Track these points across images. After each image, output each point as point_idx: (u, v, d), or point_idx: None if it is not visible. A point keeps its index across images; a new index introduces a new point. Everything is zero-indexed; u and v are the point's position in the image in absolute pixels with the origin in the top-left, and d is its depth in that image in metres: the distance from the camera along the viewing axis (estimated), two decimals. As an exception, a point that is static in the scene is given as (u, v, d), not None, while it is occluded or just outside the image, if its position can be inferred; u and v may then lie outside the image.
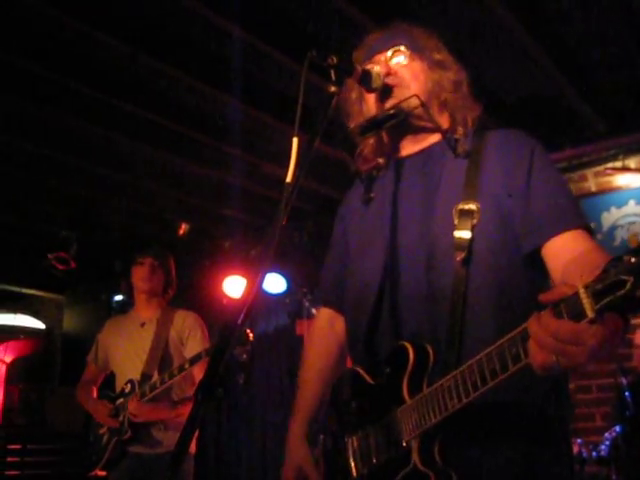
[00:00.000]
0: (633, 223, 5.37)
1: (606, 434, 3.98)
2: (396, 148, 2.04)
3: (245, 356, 3.10)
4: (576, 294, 1.17)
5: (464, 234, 1.71)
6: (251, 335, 3.35)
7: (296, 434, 1.96)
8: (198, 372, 3.83)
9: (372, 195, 2.02)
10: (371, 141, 2.07)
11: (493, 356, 1.38)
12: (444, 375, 1.54)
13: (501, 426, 1.63)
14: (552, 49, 4.22)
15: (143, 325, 4.21)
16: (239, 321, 1.29)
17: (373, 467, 1.70)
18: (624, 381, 4.05)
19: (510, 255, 1.73)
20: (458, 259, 1.69)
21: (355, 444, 1.76)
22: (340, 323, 2.10)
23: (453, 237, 1.72)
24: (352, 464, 1.76)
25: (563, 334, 1.18)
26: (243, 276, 6.22)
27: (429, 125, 1.93)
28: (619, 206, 5.47)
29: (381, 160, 2.07)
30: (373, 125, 1.95)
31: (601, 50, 4.37)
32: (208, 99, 4.68)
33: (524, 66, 4.40)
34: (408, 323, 1.75)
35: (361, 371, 1.83)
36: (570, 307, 1.18)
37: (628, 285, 1.08)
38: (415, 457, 1.57)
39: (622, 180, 5.50)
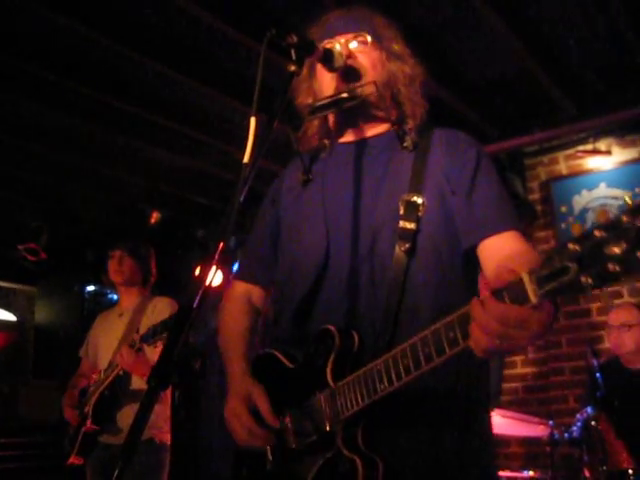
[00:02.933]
0: (604, 205, 5.40)
1: (577, 415, 4.00)
2: (342, 132, 2.02)
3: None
4: (520, 280, 1.18)
5: (409, 225, 1.73)
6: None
7: (237, 372, 1.88)
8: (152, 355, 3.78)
9: (311, 177, 1.99)
10: (316, 122, 2.05)
11: (428, 340, 1.38)
12: (372, 360, 1.53)
13: (429, 413, 1.63)
14: (522, 31, 4.21)
15: (121, 316, 4.25)
16: (194, 305, 1.26)
17: (293, 452, 1.68)
18: (595, 363, 4.08)
19: (451, 250, 1.77)
20: (402, 249, 1.71)
21: None
22: (257, 296, 2.09)
23: (397, 226, 1.74)
24: (268, 449, 1.74)
25: (509, 319, 1.20)
26: (200, 259, 6.18)
27: (380, 114, 1.94)
28: (590, 189, 5.50)
29: (326, 142, 2.05)
30: (326, 106, 1.92)
31: (571, 33, 4.36)
32: (179, 86, 4.63)
33: (494, 48, 4.39)
34: (346, 307, 1.74)
35: (278, 354, 1.81)
36: (513, 293, 1.20)
37: (572, 272, 1.09)
38: (339, 442, 1.56)
39: (593, 163, 5.53)
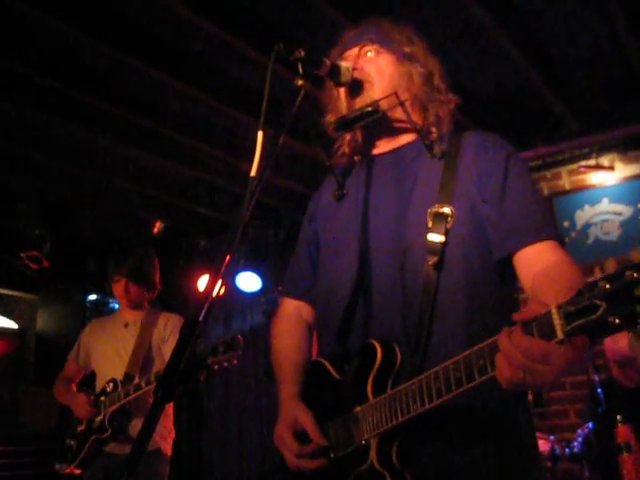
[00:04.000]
0: (606, 221, 5.41)
1: (579, 431, 3.99)
2: (370, 145, 2.03)
3: (235, 362, 3.01)
4: (548, 314, 1.18)
5: (437, 238, 1.71)
6: (242, 341, 3.27)
7: (286, 397, 1.89)
8: None
9: (345, 191, 2.00)
10: (347, 138, 2.06)
11: (460, 365, 1.39)
12: (409, 377, 1.54)
13: (467, 430, 1.61)
14: (526, 46, 4.24)
15: (126, 326, 4.21)
16: (200, 317, 1.26)
17: (330, 461, 1.70)
18: (597, 378, 4.06)
19: (482, 260, 1.73)
20: (430, 263, 1.69)
21: None
22: (307, 311, 2.10)
23: (426, 240, 1.71)
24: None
25: (533, 352, 1.19)
26: (208, 271, 6.17)
27: (404, 125, 1.93)
28: (593, 204, 5.50)
29: (357, 157, 2.06)
30: (349, 122, 1.93)
31: (575, 48, 4.39)
32: (183, 97, 4.65)
33: (498, 63, 4.41)
34: (381, 323, 1.74)
35: (327, 364, 1.83)
36: (541, 326, 1.19)
37: (600, 310, 1.08)
38: (373, 455, 1.58)
39: (596, 178, 5.53)
